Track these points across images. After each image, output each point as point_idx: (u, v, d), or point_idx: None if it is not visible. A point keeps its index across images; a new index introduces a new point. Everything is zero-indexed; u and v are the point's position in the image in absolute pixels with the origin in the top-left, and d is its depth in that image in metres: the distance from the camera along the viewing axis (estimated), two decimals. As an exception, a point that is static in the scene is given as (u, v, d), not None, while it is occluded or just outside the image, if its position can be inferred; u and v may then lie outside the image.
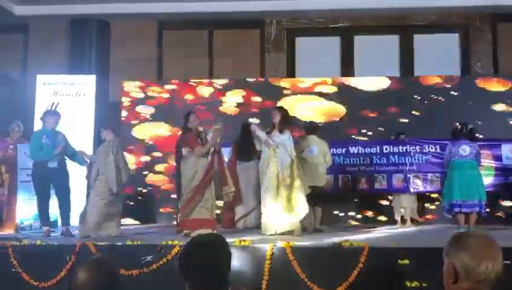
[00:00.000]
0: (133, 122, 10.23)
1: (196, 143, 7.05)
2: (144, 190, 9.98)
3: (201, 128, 7.42)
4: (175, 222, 8.02)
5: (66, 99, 9.42)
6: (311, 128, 8.01)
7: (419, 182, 8.72)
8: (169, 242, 5.72)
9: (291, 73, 11.00)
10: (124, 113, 10.23)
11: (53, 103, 9.39)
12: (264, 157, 7.21)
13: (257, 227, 7.44)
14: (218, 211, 7.78)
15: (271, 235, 6.79)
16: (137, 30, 10.98)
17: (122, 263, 5.07)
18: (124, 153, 7.79)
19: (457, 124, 7.84)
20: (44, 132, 7.35)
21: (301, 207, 6.94)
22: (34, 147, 7.23)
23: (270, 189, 6.97)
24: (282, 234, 6.76)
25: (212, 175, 7.09)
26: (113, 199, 7.08)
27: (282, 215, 6.92)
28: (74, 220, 7.26)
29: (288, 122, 7.32)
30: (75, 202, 7.47)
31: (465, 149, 7.54)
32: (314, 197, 7.61)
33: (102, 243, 5.88)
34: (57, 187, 7.28)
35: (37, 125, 9.25)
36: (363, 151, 8.97)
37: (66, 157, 7.43)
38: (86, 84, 9.73)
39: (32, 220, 7.83)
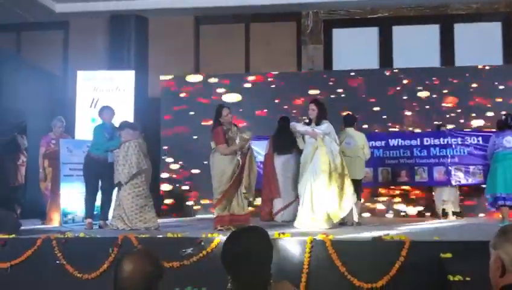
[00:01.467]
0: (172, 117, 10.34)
1: (222, 140, 6.80)
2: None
3: (231, 124, 7.04)
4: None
5: (106, 95, 9.56)
6: (349, 120, 7.92)
7: (461, 174, 8.55)
8: (209, 235, 5.75)
9: (328, 65, 10.92)
10: (162, 108, 10.35)
11: (93, 99, 9.57)
12: (308, 150, 7.07)
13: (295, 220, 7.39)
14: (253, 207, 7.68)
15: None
16: (174, 25, 11.06)
17: (163, 255, 5.10)
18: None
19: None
20: (104, 127, 7.52)
21: (350, 197, 6.98)
22: (102, 139, 7.35)
23: (322, 178, 6.84)
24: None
25: (243, 173, 6.88)
26: (147, 192, 7.18)
27: (334, 203, 6.86)
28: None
29: (325, 114, 7.21)
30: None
31: (509, 140, 7.34)
32: (353, 190, 7.55)
33: (144, 236, 5.95)
34: (105, 182, 7.38)
35: (79, 120, 9.47)
36: (403, 144, 8.86)
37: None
38: (125, 79, 9.85)
39: (75, 213, 7.99)
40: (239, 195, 6.87)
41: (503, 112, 8.21)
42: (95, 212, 7.53)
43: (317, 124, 7.09)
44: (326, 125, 7.06)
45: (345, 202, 6.96)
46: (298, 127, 7.30)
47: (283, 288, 2.26)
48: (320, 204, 6.88)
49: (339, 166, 6.95)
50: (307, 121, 7.35)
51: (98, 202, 7.57)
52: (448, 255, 5.07)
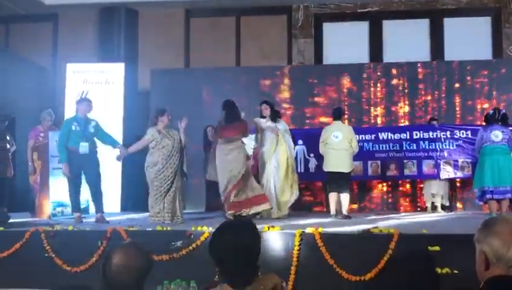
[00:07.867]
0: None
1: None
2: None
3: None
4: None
5: (96, 88, 9.50)
6: (337, 114, 7.93)
7: (449, 168, 8.59)
8: (199, 228, 5.76)
9: (318, 59, 10.93)
10: (152, 101, 10.28)
11: (83, 91, 9.51)
12: (268, 146, 7.67)
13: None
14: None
15: (277, 218, 7.30)
16: (165, 18, 11.02)
17: (152, 248, 5.10)
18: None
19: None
20: (75, 119, 7.28)
21: (296, 192, 7.75)
22: (62, 138, 7.12)
23: (281, 172, 7.58)
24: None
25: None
26: None
27: (286, 197, 7.64)
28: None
29: (278, 113, 8.02)
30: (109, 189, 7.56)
31: (497, 134, 7.39)
32: (341, 183, 7.57)
33: (133, 229, 5.94)
34: (88, 175, 7.23)
35: (68, 113, 9.40)
36: (393, 137, 8.87)
37: (96, 143, 7.38)
38: (115, 72, 9.80)
39: (64, 206, 7.95)
40: (252, 178, 7.37)
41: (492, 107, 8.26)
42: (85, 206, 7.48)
43: (273, 121, 7.72)
44: (284, 125, 7.83)
45: (294, 194, 7.72)
46: (262, 123, 7.78)
47: (270, 280, 2.26)
48: (280, 195, 7.60)
49: (293, 162, 7.85)
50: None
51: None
52: (436, 248, 5.11)
